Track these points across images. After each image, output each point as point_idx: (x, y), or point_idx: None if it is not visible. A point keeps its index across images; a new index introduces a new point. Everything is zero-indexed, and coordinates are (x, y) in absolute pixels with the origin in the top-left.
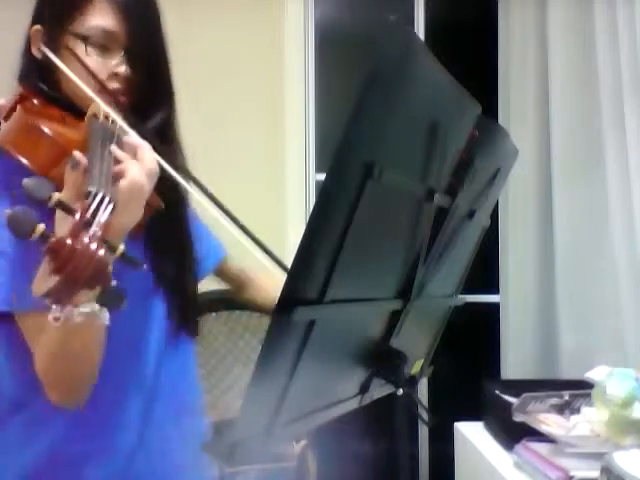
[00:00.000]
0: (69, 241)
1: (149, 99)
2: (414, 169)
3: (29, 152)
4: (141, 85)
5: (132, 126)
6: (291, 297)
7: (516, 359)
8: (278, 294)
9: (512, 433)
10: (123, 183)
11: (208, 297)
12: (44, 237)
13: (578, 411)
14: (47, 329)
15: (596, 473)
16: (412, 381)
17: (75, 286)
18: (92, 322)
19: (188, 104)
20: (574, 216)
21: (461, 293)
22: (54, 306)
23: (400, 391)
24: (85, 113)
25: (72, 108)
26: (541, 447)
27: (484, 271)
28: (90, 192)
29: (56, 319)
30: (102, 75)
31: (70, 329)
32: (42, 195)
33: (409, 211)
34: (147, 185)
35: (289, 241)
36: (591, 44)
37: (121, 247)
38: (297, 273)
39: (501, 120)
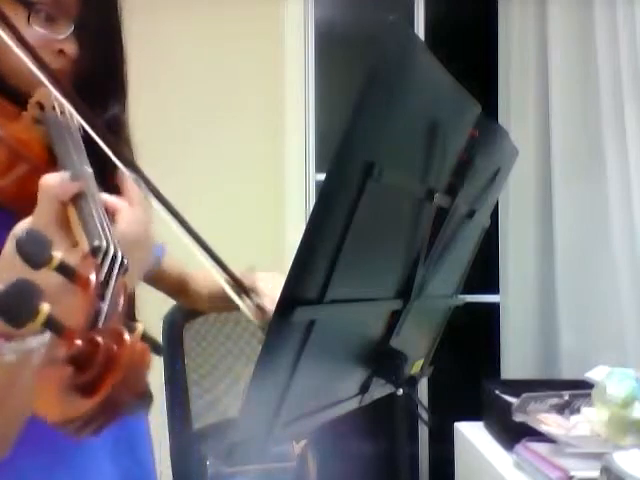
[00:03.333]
0: (100, 338)
1: (97, 90)
2: (414, 169)
3: None
4: (89, 71)
5: (85, 119)
6: (291, 297)
7: (516, 359)
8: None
9: (512, 433)
10: (123, 227)
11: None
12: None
13: (578, 411)
14: None
15: (596, 473)
16: (412, 381)
17: (120, 407)
18: (25, 361)
19: (188, 104)
20: (574, 216)
21: (461, 293)
22: None
23: (400, 391)
24: (19, 98)
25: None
26: (541, 447)
27: (484, 271)
28: (98, 247)
29: None
30: (44, 51)
31: None
32: (41, 256)
33: (409, 211)
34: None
35: (289, 241)
36: (591, 44)
37: (140, 326)
38: (297, 273)
39: (501, 120)
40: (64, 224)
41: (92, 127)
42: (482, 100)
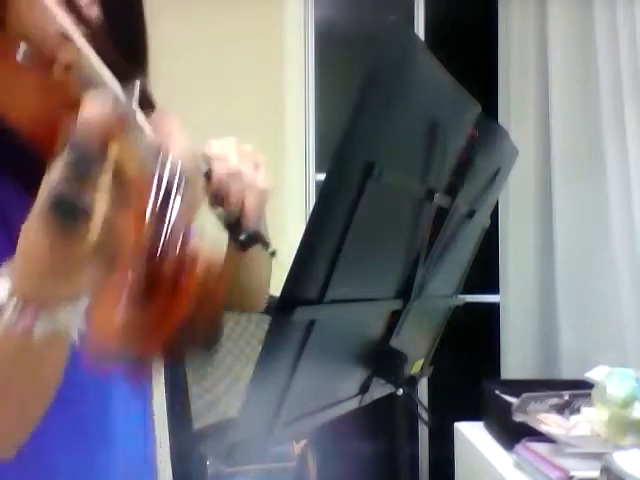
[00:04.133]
0: (171, 250)
1: (120, 58)
2: (414, 169)
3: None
4: (113, 39)
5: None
6: (291, 297)
7: (516, 359)
8: None
9: (512, 433)
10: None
11: None
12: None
13: (578, 411)
14: None
15: (596, 473)
16: (412, 381)
17: (185, 347)
18: (57, 340)
19: (188, 104)
20: (574, 216)
21: (461, 293)
22: (11, 305)
23: (400, 391)
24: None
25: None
26: (541, 447)
27: (484, 271)
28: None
29: (11, 330)
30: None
31: (19, 346)
32: (92, 163)
33: (409, 211)
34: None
35: (289, 241)
36: (591, 44)
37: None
38: (297, 273)
39: (501, 120)
40: None
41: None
42: (482, 100)
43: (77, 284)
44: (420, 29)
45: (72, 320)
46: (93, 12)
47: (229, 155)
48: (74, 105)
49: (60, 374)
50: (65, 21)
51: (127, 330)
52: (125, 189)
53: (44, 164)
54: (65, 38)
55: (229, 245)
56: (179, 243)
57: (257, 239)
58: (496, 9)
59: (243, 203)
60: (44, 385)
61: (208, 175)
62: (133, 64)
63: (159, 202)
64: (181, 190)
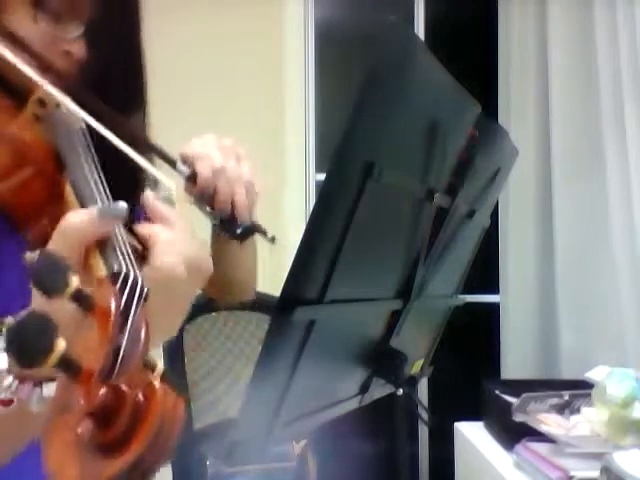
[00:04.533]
0: (125, 387)
1: (111, 97)
2: (414, 169)
3: None
4: (101, 76)
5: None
6: (291, 297)
7: (516, 359)
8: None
9: (512, 433)
10: (156, 263)
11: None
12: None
13: (578, 411)
14: None
15: (596, 473)
16: (412, 381)
17: (148, 471)
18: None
19: (188, 104)
20: (574, 216)
21: (461, 293)
22: (8, 380)
23: (400, 391)
24: (19, 94)
25: None
26: (541, 447)
27: (484, 271)
28: (117, 274)
29: (4, 403)
30: (49, 51)
31: (11, 414)
32: (57, 282)
33: (409, 211)
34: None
35: (289, 241)
36: (591, 44)
37: (159, 365)
38: (297, 273)
39: (501, 120)
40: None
41: (101, 121)
42: (482, 100)
43: None
44: (420, 29)
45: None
46: (77, 49)
47: (211, 153)
48: (45, 161)
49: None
50: (28, 71)
51: (86, 454)
52: (88, 310)
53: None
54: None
55: (214, 239)
56: (135, 356)
57: (254, 229)
58: (496, 9)
59: (233, 198)
60: (20, 446)
61: (193, 177)
62: (127, 101)
63: (119, 311)
64: (138, 298)
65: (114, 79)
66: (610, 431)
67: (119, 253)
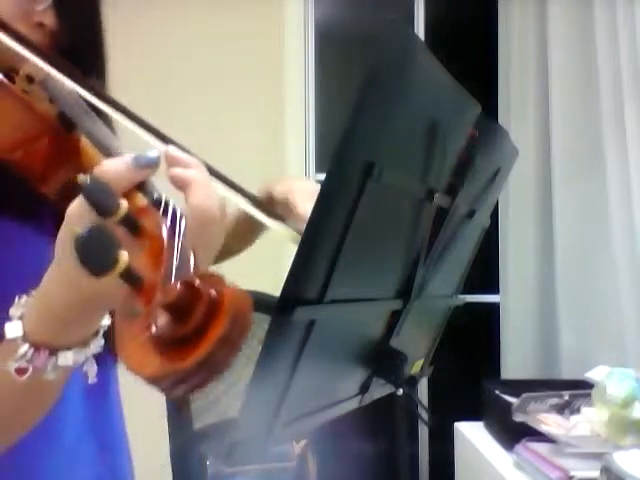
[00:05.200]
0: (198, 282)
1: (78, 65)
2: (414, 169)
3: None
4: (69, 45)
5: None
6: (291, 297)
7: (516, 359)
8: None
9: (512, 433)
10: (195, 201)
11: None
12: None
13: (578, 411)
14: None
15: (596, 473)
16: (412, 381)
17: (222, 364)
18: (63, 377)
19: (188, 104)
20: (574, 216)
21: (461, 293)
22: (23, 348)
23: (400, 391)
24: (3, 72)
25: None
26: (541, 447)
27: (484, 271)
28: (158, 201)
29: (21, 372)
30: (22, 24)
31: (29, 384)
32: (109, 203)
33: (409, 211)
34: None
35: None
36: (591, 44)
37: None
38: (297, 273)
39: (501, 120)
40: None
41: (90, 90)
42: (482, 100)
43: (90, 330)
44: (420, 29)
45: (82, 358)
46: (48, 20)
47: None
48: (50, 126)
49: (54, 402)
50: (14, 46)
51: (161, 352)
52: (138, 232)
53: (37, 193)
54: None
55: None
56: (188, 272)
57: None
58: (496, 9)
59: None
60: (37, 415)
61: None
62: (93, 69)
63: (171, 235)
64: (179, 224)
65: (78, 47)
66: (610, 431)
67: (155, 189)
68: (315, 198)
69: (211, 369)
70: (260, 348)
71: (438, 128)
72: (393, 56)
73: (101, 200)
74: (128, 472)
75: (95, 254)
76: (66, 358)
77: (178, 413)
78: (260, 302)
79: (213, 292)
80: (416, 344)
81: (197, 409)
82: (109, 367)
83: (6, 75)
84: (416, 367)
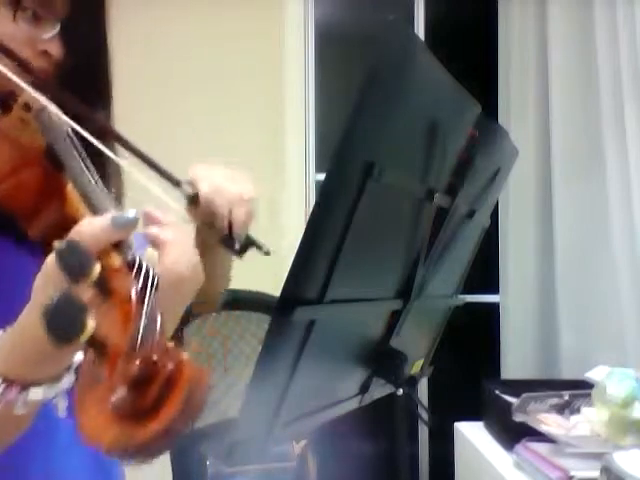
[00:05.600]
0: (155, 357)
1: (81, 95)
2: (414, 169)
3: None
4: (73, 75)
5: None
6: (291, 297)
7: (516, 359)
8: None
9: (512, 433)
10: (168, 261)
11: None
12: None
13: (578, 411)
14: None
15: (596, 473)
16: (412, 381)
17: (180, 433)
18: (33, 411)
19: (188, 104)
20: (574, 216)
21: (461, 293)
22: None
23: (400, 391)
24: (2, 100)
25: None
26: (541, 447)
27: (484, 271)
28: (132, 263)
29: None
30: (27, 51)
31: None
32: (82, 268)
33: (409, 211)
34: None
35: (289, 241)
36: (591, 44)
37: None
38: (297, 273)
39: (501, 120)
40: None
41: (87, 126)
42: (482, 100)
43: (62, 367)
44: (420, 29)
45: (52, 394)
46: (54, 48)
47: (211, 174)
48: (36, 158)
49: (20, 433)
50: (13, 76)
51: (119, 424)
52: (108, 295)
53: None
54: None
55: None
56: (153, 337)
57: (251, 244)
58: (496, 9)
59: (230, 214)
60: (4, 440)
61: (195, 198)
62: (97, 100)
63: (141, 299)
64: (151, 285)
65: (84, 77)
66: (610, 431)
67: (131, 247)
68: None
69: (167, 439)
70: (260, 348)
71: (438, 128)
72: (393, 56)
73: (74, 265)
74: (122, 474)
75: (61, 326)
76: (37, 393)
77: None
78: (260, 302)
79: (170, 367)
80: (416, 344)
81: None
82: None
83: (5, 100)
84: (416, 367)
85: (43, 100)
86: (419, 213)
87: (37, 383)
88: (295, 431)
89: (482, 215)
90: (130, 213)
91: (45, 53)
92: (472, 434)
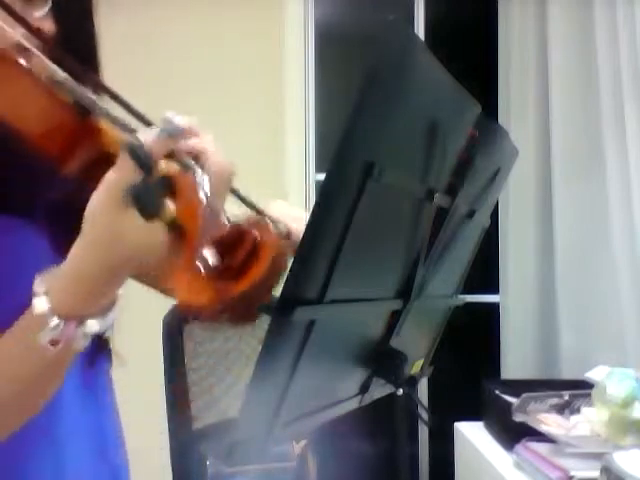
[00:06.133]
0: (245, 225)
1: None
2: (414, 169)
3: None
4: (66, 50)
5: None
6: (291, 297)
7: (516, 359)
8: None
9: (512, 433)
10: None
11: None
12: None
13: (578, 411)
14: (11, 347)
15: (596, 473)
16: (412, 381)
17: (260, 300)
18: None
19: (188, 104)
20: (574, 216)
21: (461, 293)
22: (54, 321)
23: (400, 391)
24: None
25: None
26: (541, 447)
27: (484, 271)
28: (189, 166)
29: (54, 343)
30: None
31: (54, 355)
32: (150, 162)
33: (409, 211)
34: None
35: None
36: (591, 44)
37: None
38: (297, 273)
39: (501, 120)
40: None
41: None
42: (482, 100)
43: (111, 298)
44: (420, 29)
45: (105, 326)
46: (46, 25)
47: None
48: (66, 106)
49: (66, 370)
50: (16, 35)
51: (214, 283)
52: (175, 192)
53: (58, 173)
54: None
55: None
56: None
57: None
58: (496, 9)
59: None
60: (52, 389)
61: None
62: (87, 65)
63: (203, 193)
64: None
65: (75, 51)
66: (610, 431)
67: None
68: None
69: (258, 295)
70: (260, 348)
71: (438, 128)
72: (393, 56)
73: (146, 156)
74: (124, 473)
75: (148, 199)
76: (93, 325)
77: (178, 413)
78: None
79: (257, 234)
80: (416, 344)
81: (197, 409)
82: (102, 373)
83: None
84: (416, 367)
85: (51, 66)
86: (419, 213)
87: (91, 316)
88: (295, 431)
89: (482, 215)
90: (176, 122)
91: (38, 31)
92: (472, 434)
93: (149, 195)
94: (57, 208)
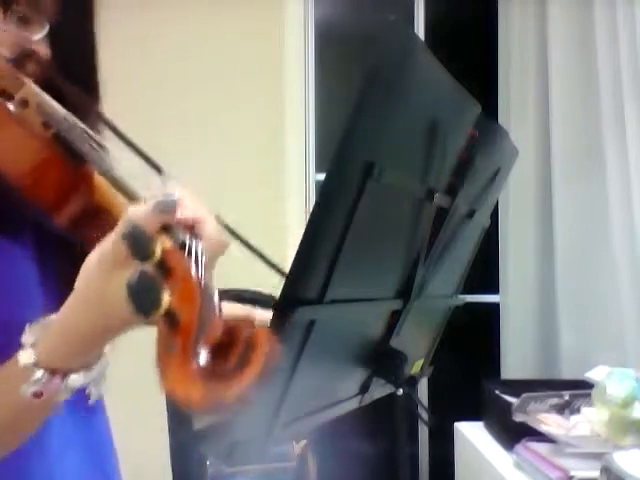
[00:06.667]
0: (234, 325)
1: (66, 101)
2: (414, 169)
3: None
4: (63, 75)
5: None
6: (291, 297)
7: (516, 359)
8: None
9: (512, 433)
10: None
11: None
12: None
13: (578, 411)
14: None
15: (596, 473)
16: (412, 381)
17: (255, 394)
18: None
19: (188, 104)
20: (574, 216)
21: (461, 293)
22: (38, 375)
23: (400, 391)
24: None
25: None
26: (541, 447)
27: (484, 271)
28: (184, 243)
29: (37, 395)
30: (14, 52)
31: (32, 405)
32: (147, 248)
33: (409, 211)
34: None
35: (289, 241)
36: (591, 44)
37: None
38: (297, 273)
39: (501, 120)
40: None
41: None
42: (482, 100)
43: (97, 355)
44: (420, 29)
45: (89, 380)
46: (42, 50)
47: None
48: (49, 148)
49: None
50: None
51: (206, 384)
52: (169, 274)
53: (51, 223)
54: (15, 77)
55: None
56: (216, 308)
57: None
58: (496, 9)
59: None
60: (32, 429)
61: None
62: (87, 94)
63: (198, 274)
64: (202, 263)
65: (73, 77)
66: (610, 431)
67: (180, 229)
68: None
69: (244, 400)
70: None
71: (438, 128)
72: (393, 56)
73: (142, 246)
74: (119, 476)
75: (145, 300)
76: (76, 380)
77: (178, 413)
78: (260, 302)
79: (248, 331)
80: (416, 344)
81: None
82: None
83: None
84: (416, 367)
85: (40, 94)
86: (419, 213)
87: (75, 371)
88: (295, 431)
89: (482, 215)
90: (170, 196)
91: (32, 55)
92: (472, 434)
93: (145, 294)
94: (46, 232)
